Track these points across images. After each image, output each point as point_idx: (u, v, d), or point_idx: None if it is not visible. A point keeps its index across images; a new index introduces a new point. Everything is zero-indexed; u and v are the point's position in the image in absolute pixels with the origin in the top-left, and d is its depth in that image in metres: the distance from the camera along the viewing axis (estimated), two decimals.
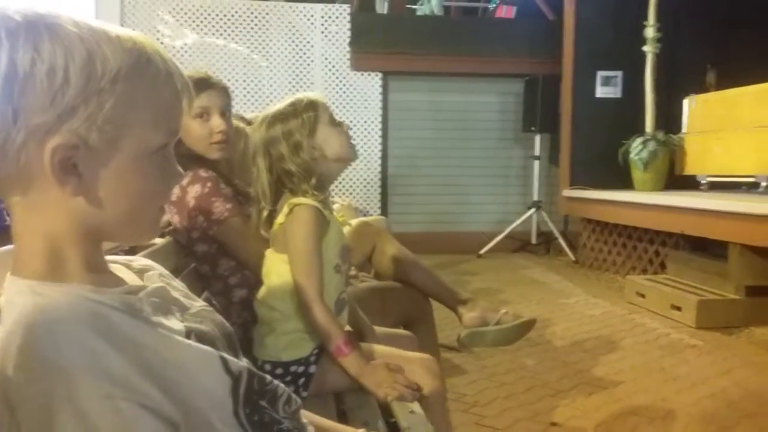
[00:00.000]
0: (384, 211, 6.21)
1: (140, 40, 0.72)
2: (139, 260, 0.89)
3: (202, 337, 0.77)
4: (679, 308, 3.77)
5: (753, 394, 2.68)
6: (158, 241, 1.71)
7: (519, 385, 2.78)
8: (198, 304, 0.87)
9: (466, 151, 6.46)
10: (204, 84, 1.79)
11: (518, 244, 6.22)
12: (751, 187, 4.62)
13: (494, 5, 7.53)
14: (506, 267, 5.58)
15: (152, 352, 0.68)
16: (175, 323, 0.75)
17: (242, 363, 0.80)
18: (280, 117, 1.59)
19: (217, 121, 1.80)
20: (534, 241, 6.17)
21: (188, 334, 0.75)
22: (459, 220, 6.46)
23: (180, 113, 0.77)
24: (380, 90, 6.27)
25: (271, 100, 5.92)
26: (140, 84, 0.71)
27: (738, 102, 4.66)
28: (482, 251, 5.99)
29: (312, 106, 1.60)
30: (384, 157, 6.32)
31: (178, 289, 0.88)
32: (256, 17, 6.06)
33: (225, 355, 0.77)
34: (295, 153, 1.56)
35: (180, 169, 0.80)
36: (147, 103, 0.72)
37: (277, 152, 1.57)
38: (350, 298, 1.79)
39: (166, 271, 0.91)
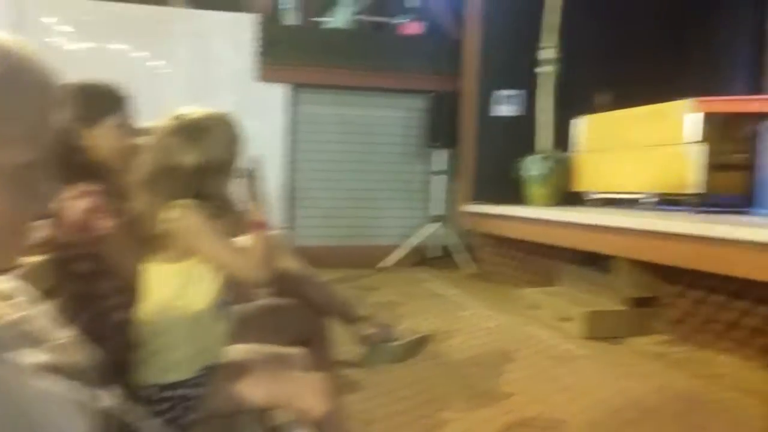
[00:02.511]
0: (289, 224, 6.17)
1: (11, 46, 0.68)
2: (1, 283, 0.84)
3: (63, 371, 0.73)
4: (569, 320, 3.93)
5: (634, 402, 2.82)
6: (29, 260, 1.62)
7: (415, 399, 2.81)
8: (64, 333, 0.83)
9: (372, 164, 6.52)
10: (125, 97, 1.88)
11: (420, 257, 6.32)
12: (639, 204, 4.90)
13: (403, 21, 7.63)
14: (407, 281, 5.65)
15: (3, 392, 0.64)
16: (33, 358, 0.71)
17: (108, 400, 0.77)
18: (194, 126, 1.58)
19: (134, 133, 1.81)
20: (435, 254, 6.28)
21: (48, 368, 0.72)
22: (363, 234, 6.49)
23: (52, 127, 0.73)
24: (288, 102, 6.23)
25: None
26: (7, 96, 0.67)
27: (625, 123, 4.94)
28: (384, 265, 6.05)
29: (228, 123, 1.65)
30: (291, 170, 6.27)
31: (43, 316, 0.83)
32: (158, 23, 5.89)
33: (88, 391, 0.74)
34: (205, 160, 1.57)
35: (54, 185, 0.76)
36: (14, 117, 0.68)
37: (187, 155, 1.56)
38: (243, 315, 1.77)
39: (33, 295, 0.86)
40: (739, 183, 4.33)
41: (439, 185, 6.25)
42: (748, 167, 4.33)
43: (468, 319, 4.29)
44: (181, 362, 1.54)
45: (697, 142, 4.22)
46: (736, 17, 5.85)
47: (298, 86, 6.28)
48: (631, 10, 5.77)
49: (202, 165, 1.56)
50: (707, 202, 4.27)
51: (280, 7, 6.85)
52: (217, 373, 1.55)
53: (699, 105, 4.25)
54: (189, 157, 1.55)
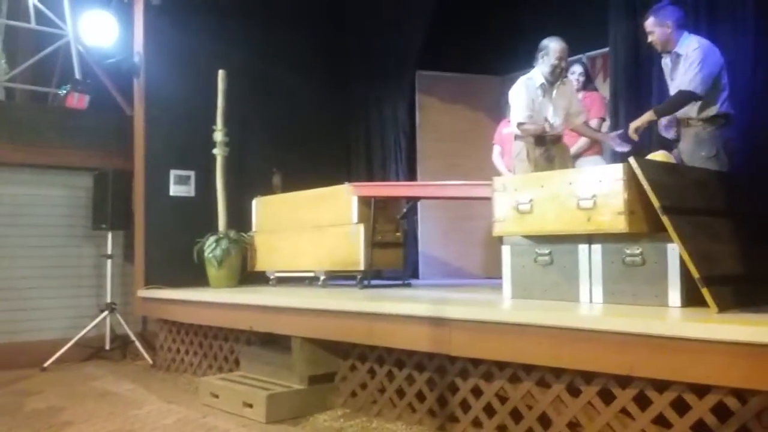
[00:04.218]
0: None
1: None
2: None
3: None
4: (250, 405, 3.82)
5: None
6: None
7: None
8: None
9: (30, 249, 5.74)
10: None
11: (90, 351, 5.68)
12: (313, 281, 5.09)
13: (65, 92, 7.07)
14: (75, 379, 5.02)
15: None
16: None
17: None
18: None
19: None
20: (108, 346, 5.71)
21: None
22: (19, 329, 5.62)
23: None
24: None
25: None
26: None
27: (297, 204, 5.16)
28: (47, 363, 5.31)
29: None
30: None
31: None
32: None
33: None
34: None
35: None
36: None
37: None
38: None
39: None
40: (396, 258, 4.77)
41: (110, 270, 5.75)
42: (403, 244, 4.81)
43: (143, 417, 3.93)
44: None
45: (355, 222, 4.59)
46: (393, 112, 6.58)
47: None
48: (297, 101, 6.16)
49: None
50: (371, 277, 4.62)
51: None
52: None
53: (353, 189, 4.63)
54: None
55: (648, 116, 3.77)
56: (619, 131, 4.18)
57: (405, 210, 4.92)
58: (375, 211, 4.58)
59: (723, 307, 2.54)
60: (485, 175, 4.59)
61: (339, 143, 6.81)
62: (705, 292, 2.55)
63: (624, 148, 4.04)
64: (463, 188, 4.59)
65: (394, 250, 4.77)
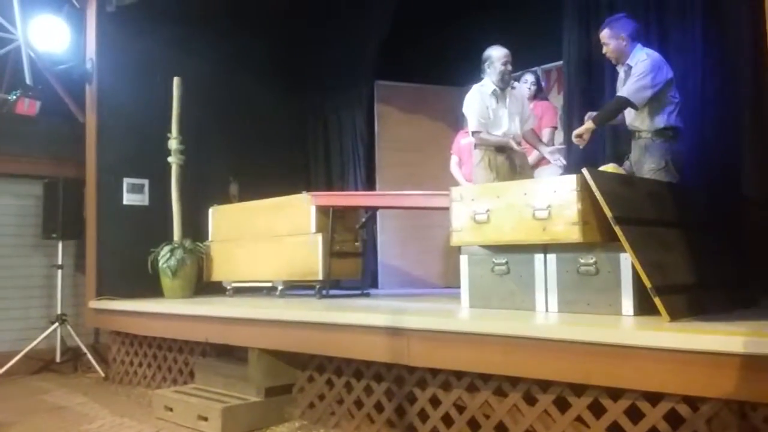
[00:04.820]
0: None
1: None
2: None
3: None
4: (206, 418, 3.75)
5: None
6: None
7: None
8: None
9: None
10: None
11: (40, 364, 5.53)
12: (271, 291, 5.04)
13: (15, 98, 6.86)
14: (23, 393, 4.87)
15: None
16: None
17: None
18: None
19: None
20: (59, 359, 5.56)
21: None
22: None
23: None
24: None
25: None
26: None
27: (255, 213, 5.11)
28: None
29: None
30: None
31: None
32: None
33: None
34: None
35: None
36: None
37: None
38: None
39: None
40: (355, 268, 4.76)
41: (61, 280, 5.60)
42: (362, 254, 4.80)
43: None
44: None
45: (314, 232, 4.56)
46: (351, 121, 6.58)
47: None
48: (255, 108, 6.11)
49: None
50: (329, 287, 4.59)
51: None
52: None
53: (311, 198, 4.61)
54: None
55: (589, 123, 3.83)
56: (558, 146, 4.26)
57: (364, 219, 4.91)
58: (333, 220, 4.56)
59: (675, 315, 2.59)
60: (443, 185, 4.62)
61: (298, 152, 6.79)
62: (657, 301, 2.60)
63: (560, 162, 4.12)
64: (421, 198, 4.61)
65: (352, 259, 4.75)
